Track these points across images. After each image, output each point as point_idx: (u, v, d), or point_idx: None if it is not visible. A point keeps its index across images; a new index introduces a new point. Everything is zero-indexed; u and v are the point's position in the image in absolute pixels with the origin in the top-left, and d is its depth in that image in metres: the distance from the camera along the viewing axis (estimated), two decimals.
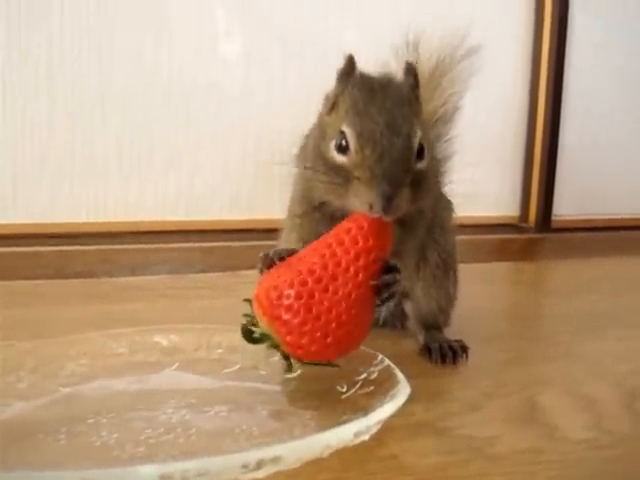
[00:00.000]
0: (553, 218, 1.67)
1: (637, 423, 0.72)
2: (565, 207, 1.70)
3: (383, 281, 0.70)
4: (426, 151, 0.74)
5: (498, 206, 1.69)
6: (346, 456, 0.60)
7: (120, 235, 1.39)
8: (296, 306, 0.67)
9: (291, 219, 0.87)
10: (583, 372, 0.86)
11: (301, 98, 1.42)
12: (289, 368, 0.71)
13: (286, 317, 0.67)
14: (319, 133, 0.77)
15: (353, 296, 0.68)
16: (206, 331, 0.81)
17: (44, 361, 0.75)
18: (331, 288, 0.67)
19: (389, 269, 0.71)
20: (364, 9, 1.53)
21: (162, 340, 0.81)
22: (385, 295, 0.71)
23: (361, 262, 0.69)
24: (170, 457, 0.58)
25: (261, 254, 0.74)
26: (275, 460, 0.52)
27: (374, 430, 0.59)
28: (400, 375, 0.68)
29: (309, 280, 0.67)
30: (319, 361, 0.70)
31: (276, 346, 0.69)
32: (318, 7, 1.50)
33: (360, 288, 0.68)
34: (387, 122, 0.70)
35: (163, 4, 1.39)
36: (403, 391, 0.64)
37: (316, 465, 0.57)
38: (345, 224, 0.71)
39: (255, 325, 0.70)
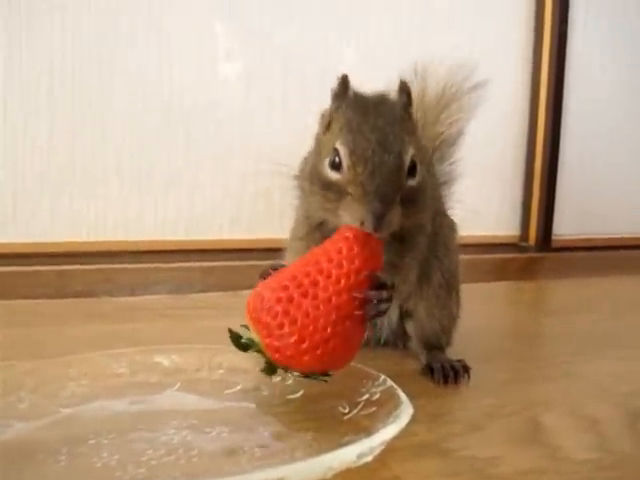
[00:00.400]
0: (553, 237, 1.68)
1: (639, 443, 0.71)
2: (565, 227, 1.70)
3: (368, 295, 0.70)
4: (418, 168, 0.75)
5: (498, 225, 1.69)
6: (349, 478, 0.60)
7: (120, 254, 1.39)
8: (275, 309, 0.67)
9: (293, 241, 0.89)
10: (584, 392, 0.86)
11: (301, 117, 1.42)
12: (268, 371, 0.71)
13: (265, 319, 0.68)
14: (315, 152, 0.79)
15: (333, 301, 0.68)
16: (207, 351, 0.80)
17: (44, 381, 0.74)
18: (311, 292, 0.68)
19: (378, 286, 0.71)
20: (364, 28, 1.54)
21: (163, 360, 0.81)
22: (371, 311, 0.70)
23: (344, 269, 0.69)
24: (172, 479, 0.58)
25: (261, 271, 0.76)
26: None
27: (377, 451, 0.59)
28: (403, 396, 0.68)
29: (290, 285, 0.68)
30: (306, 373, 0.70)
31: (262, 352, 0.69)
32: (318, 26, 1.51)
33: (341, 295, 0.68)
34: (379, 140, 0.72)
35: (164, 23, 1.40)
36: (406, 412, 0.64)
37: None
38: (333, 236, 0.72)
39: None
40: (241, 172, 1.47)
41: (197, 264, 1.39)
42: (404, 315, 0.96)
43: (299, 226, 0.87)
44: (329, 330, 0.67)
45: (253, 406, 0.75)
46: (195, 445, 0.65)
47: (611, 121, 1.75)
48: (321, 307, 0.67)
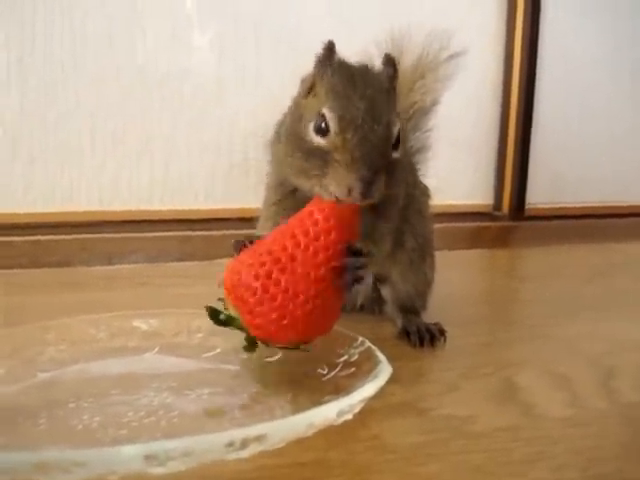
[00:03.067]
0: (526, 206, 1.69)
1: (612, 400, 0.73)
2: (538, 196, 1.72)
3: (345, 263, 0.69)
4: (401, 142, 0.75)
5: (472, 195, 1.70)
6: (330, 436, 0.61)
7: (95, 224, 1.37)
8: (254, 286, 0.67)
9: (267, 208, 0.87)
10: (559, 353, 0.88)
11: (275, 84, 1.42)
12: (249, 348, 0.70)
13: (245, 297, 0.67)
14: (294, 116, 0.77)
15: (312, 276, 0.67)
16: (186, 316, 0.81)
17: (22, 347, 0.74)
18: (289, 268, 0.67)
19: (354, 253, 0.70)
20: None
21: (141, 325, 0.81)
22: (349, 278, 0.70)
23: (321, 242, 0.68)
24: (153, 439, 0.58)
25: (233, 241, 0.74)
26: (259, 439, 0.52)
27: (357, 409, 0.60)
28: (381, 356, 0.69)
29: (267, 261, 0.67)
30: (287, 345, 0.70)
31: (241, 328, 0.69)
32: None
33: (320, 268, 0.67)
34: (367, 109, 0.71)
35: None
36: (385, 371, 0.64)
37: (300, 445, 0.57)
38: (307, 207, 0.71)
39: (226, 308, 0.70)
40: (215, 140, 1.46)
41: (173, 233, 1.38)
42: (379, 280, 0.97)
43: (272, 192, 0.86)
44: (310, 305, 0.67)
45: (232, 368, 0.76)
46: (175, 407, 0.66)
47: (585, 90, 1.76)
48: (301, 283, 0.67)
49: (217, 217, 1.46)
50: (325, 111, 0.72)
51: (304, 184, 0.75)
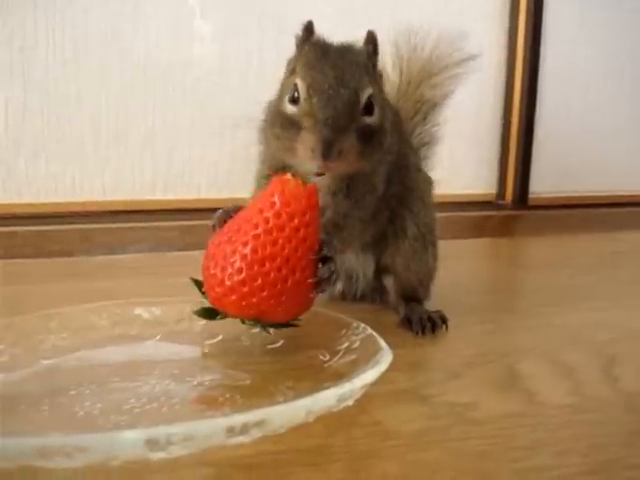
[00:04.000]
0: (530, 195, 1.69)
1: (616, 388, 0.73)
2: (541, 185, 1.71)
3: (320, 275, 0.71)
4: (377, 109, 0.77)
5: (476, 184, 1.69)
6: (330, 423, 0.61)
7: (97, 214, 1.38)
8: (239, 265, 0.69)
9: (258, 180, 0.90)
10: (561, 341, 0.87)
11: (278, 75, 1.41)
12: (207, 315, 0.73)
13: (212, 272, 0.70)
14: (278, 95, 0.81)
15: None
16: (188, 304, 0.80)
17: (25, 335, 0.74)
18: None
19: (321, 260, 0.72)
20: None
21: (143, 313, 0.81)
22: (328, 287, 0.73)
23: (285, 232, 0.69)
24: (155, 425, 0.58)
25: (220, 211, 0.80)
26: (259, 424, 0.52)
27: (358, 395, 0.60)
28: (382, 342, 0.68)
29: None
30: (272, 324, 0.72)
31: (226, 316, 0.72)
32: None
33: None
34: (336, 76, 0.74)
35: None
36: (386, 358, 0.64)
37: (301, 431, 0.57)
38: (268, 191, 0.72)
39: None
40: (218, 131, 1.46)
41: (176, 223, 1.38)
42: (381, 270, 0.97)
43: (264, 166, 0.88)
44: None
45: (234, 356, 0.76)
46: (177, 393, 0.66)
47: (586, 80, 1.75)
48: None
49: (219, 207, 1.45)
50: (297, 81, 0.75)
51: (283, 155, 0.78)
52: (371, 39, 0.83)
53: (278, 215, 0.69)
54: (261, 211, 0.70)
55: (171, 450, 0.50)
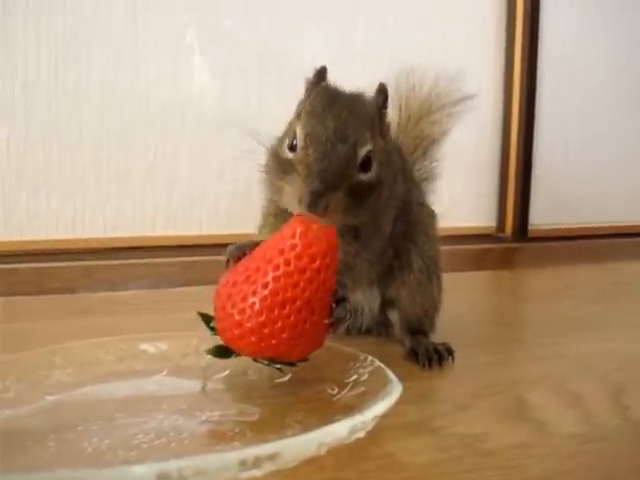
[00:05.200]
0: (529, 228, 1.70)
1: (625, 417, 0.73)
2: (541, 217, 1.72)
3: (337, 317, 0.72)
4: (374, 165, 0.76)
5: (475, 217, 1.70)
6: (341, 456, 0.60)
7: (99, 251, 1.38)
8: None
9: (265, 217, 0.90)
10: (568, 371, 0.87)
11: (278, 113, 1.43)
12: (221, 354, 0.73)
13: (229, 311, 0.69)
14: (281, 137, 0.80)
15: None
16: (194, 338, 0.80)
17: (29, 371, 0.73)
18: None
19: (338, 301, 0.72)
20: (340, 27, 1.54)
21: (149, 348, 0.80)
22: (340, 327, 0.73)
23: (306, 275, 0.69)
24: (164, 459, 0.57)
25: (233, 246, 0.79)
26: (272, 457, 0.52)
27: (369, 427, 0.59)
28: (391, 375, 0.68)
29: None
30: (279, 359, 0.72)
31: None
32: (294, 23, 1.51)
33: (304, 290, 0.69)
34: (336, 128, 0.73)
35: (138, 19, 1.39)
36: (396, 389, 0.64)
37: (312, 465, 0.57)
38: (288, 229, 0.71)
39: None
40: (218, 168, 1.47)
41: (177, 259, 1.38)
42: (387, 303, 0.97)
43: (270, 204, 0.88)
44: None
45: (242, 390, 0.75)
46: (185, 429, 0.65)
47: (584, 114, 1.77)
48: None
49: (221, 242, 1.45)
50: (297, 129, 0.75)
51: (274, 196, 0.79)
52: (382, 90, 0.82)
53: (300, 257, 0.69)
54: (282, 252, 0.69)
55: None
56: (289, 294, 0.68)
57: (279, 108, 1.41)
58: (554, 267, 1.59)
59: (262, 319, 0.68)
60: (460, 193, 1.66)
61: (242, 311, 0.68)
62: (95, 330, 0.98)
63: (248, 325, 0.68)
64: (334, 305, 0.72)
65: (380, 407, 0.60)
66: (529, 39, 1.64)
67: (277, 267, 0.69)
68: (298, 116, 0.78)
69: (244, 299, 0.69)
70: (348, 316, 0.73)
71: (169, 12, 1.42)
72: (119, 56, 1.39)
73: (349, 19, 1.55)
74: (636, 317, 1.17)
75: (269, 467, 0.52)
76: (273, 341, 0.68)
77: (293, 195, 0.71)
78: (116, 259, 1.35)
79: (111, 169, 1.40)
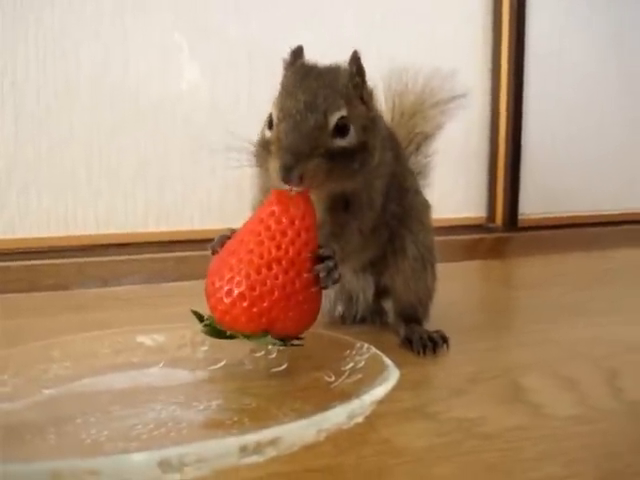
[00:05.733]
0: (519, 217, 1.70)
1: (620, 399, 0.74)
2: (530, 206, 1.73)
3: (316, 271, 0.72)
4: (354, 129, 0.77)
5: (465, 208, 1.71)
6: (340, 442, 0.61)
7: (91, 248, 1.37)
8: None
9: (253, 206, 0.91)
10: (561, 356, 0.88)
11: (267, 109, 1.43)
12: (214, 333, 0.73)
13: (218, 285, 0.70)
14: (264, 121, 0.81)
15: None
16: (189, 330, 0.80)
17: (26, 365, 0.74)
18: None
19: (320, 259, 0.73)
20: (328, 23, 1.54)
21: (145, 340, 0.81)
22: (326, 282, 0.73)
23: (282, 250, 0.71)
24: (164, 448, 0.57)
25: (217, 236, 0.80)
26: (273, 442, 0.52)
27: (368, 412, 0.60)
28: (388, 361, 0.68)
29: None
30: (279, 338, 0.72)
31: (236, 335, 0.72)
32: (282, 20, 1.50)
33: (288, 273, 0.70)
34: (306, 100, 0.75)
35: (127, 15, 1.39)
36: (393, 374, 0.64)
37: (311, 452, 0.57)
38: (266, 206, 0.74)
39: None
40: (209, 164, 1.47)
41: (169, 254, 1.38)
42: (381, 291, 0.98)
43: (259, 191, 0.90)
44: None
45: (238, 380, 0.76)
46: (184, 418, 0.65)
47: (571, 106, 1.78)
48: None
49: (212, 238, 1.45)
50: (272, 107, 0.77)
51: (264, 178, 0.81)
52: (354, 59, 0.83)
53: (279, 222, 0.71)
54: (261, 220, 0.72)
55: (185, 472, 0.49)
56: (273, 254, 0.70)
57: (269, 104, 1.43)
58: (544, 256, 1.59)
59: (250, 282, 0.69)
60: (450, 184, 1.66)
61: (230, 279, 0.70)
62: (89, 325, 0.98)
63: (237, 290, 0.69)
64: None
65: (379, 391, 0.60)
66: (516, 33, 1.64)
67: (259, 233, 0.71)
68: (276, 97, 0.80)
69: (231, 268, 0.70)
70: (335, 274, 0.73)
71: (158, 8, 1.41)
72: (108, 52, 1.38)
73: (337, 16, 1.55)
74: (625, 301, 1.18)
75: (270, 452, 0.52)
76: (264, 304, 0.69)
77: (272, 172, 0.73)
78: (108, 255, 1.35)
79: (102, 165, 1.40)
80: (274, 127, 0.75)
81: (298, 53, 0.84)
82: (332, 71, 0.81)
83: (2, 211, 1.34)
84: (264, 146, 0.76)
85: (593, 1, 1.77)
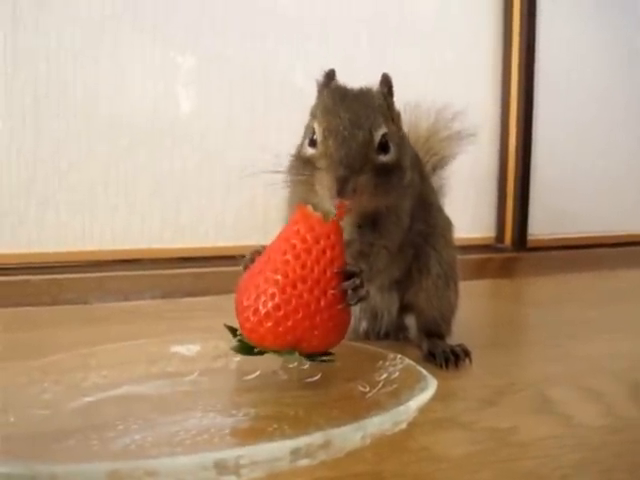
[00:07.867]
0: (528, 238, 1.72)
1: None
2: (540, 227, 1.75)
3: (343, 287, 0.73)
4: (392, 147, 0.80)
5: (475, 228, 1.73)
6: (380, 450, 0.62)
7: (109, 263, 1.39)
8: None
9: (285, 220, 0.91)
10: (584, 370, 0.89)
11: (283, 127, 1.45)
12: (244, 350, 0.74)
13: (246, 304, 0.71)
14: (300, 141, 0.84)
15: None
16: (224, 341, 0.81)
17: (65, 373, 0.74)
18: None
19: (347, 276, 0.74)
20: (342, 43, 1.57)
21: (180, 350, 0.82)
22: (353, 299, 0.73)
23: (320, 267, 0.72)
24: (214, 449, 0.58)
25: (250, 253, 0.81)
26: (324, 446, 0.53)
27: (411, 418, 0.61)
28: (423, 371, 0.70)
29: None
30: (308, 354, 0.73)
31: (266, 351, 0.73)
32: (296, 41, 1.53)
33: (313, 292, 0.71)
34: (350, 118, 0.78)
35: (146, 33, 1.41)
36: (431, 384, 0.66)
37: (353, 458, 0.58)
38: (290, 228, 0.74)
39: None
40: (225, 181, 1.49)
41: (186, 270, 1.39)
42: (404, 307, 0.99)
43: (290, 208, 0.90)
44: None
45: (274, 390, 0.77)
46: (225, 425, 0.67)
47: (580, 124, 1.81)
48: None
49: (227, 254, 1.47)
50: (315, 125, 0.79)
51: (307, 195, 0.80)
52: (386, 81, 0.86)
53: (304, 240, 0.72)
54: (287, 239, 0.73)
55: (240, 474, 0.50)
56: (298, 273, 0.71)
57: (284, 123, 1.45)
58: (554, 275, 1.61)
59: (276, 301, 0.70)
60: (460, 205, 1.68)
61: (257, 298, 0.71)
62: (114, 337, 0.99)
63: (263, 310, 0.70)
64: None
65: (422, 397, 0.62)
66: (526, 54, 1.68)
67: (284, 252, 0.72)
68: (314, 116, 0.82)
69: (257, 287, 0.71)
70: (362, 291, 0.74)
71: (175, 30, 1.44)
72: (127, 70, 1.41)
73: (351, 35, 1.58)
74: (638, 320, 1.20)
75: (320, 456, 0.53)
76: (289, 323, 0.70)
77: (322, 187, 0.75)
78: (126, 270, 1.37)
79: (120, 184, 1.41)
80: (319, 143, 0.77)
81: (331, 75, 0.87)
82: (367, 92, 0.84)
83: (21, 226, 1.35)
84: (306, 162, 0.78)
85: (603, 23, 1.81)
